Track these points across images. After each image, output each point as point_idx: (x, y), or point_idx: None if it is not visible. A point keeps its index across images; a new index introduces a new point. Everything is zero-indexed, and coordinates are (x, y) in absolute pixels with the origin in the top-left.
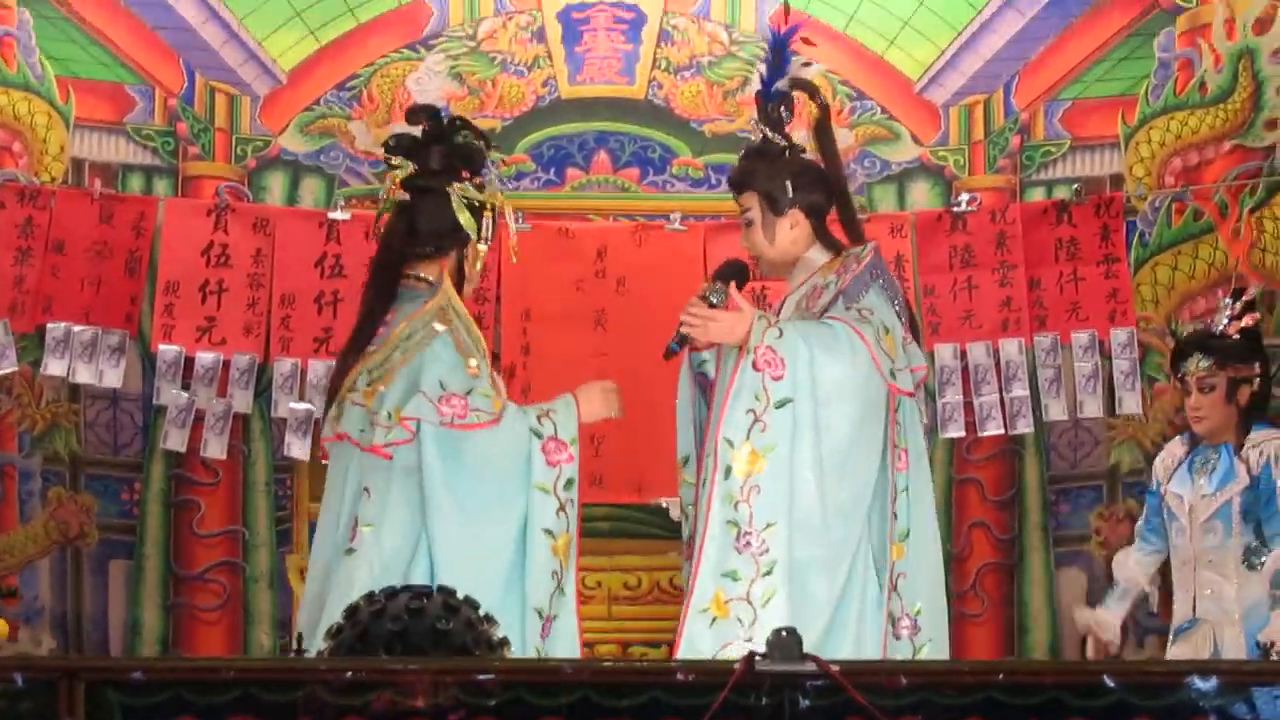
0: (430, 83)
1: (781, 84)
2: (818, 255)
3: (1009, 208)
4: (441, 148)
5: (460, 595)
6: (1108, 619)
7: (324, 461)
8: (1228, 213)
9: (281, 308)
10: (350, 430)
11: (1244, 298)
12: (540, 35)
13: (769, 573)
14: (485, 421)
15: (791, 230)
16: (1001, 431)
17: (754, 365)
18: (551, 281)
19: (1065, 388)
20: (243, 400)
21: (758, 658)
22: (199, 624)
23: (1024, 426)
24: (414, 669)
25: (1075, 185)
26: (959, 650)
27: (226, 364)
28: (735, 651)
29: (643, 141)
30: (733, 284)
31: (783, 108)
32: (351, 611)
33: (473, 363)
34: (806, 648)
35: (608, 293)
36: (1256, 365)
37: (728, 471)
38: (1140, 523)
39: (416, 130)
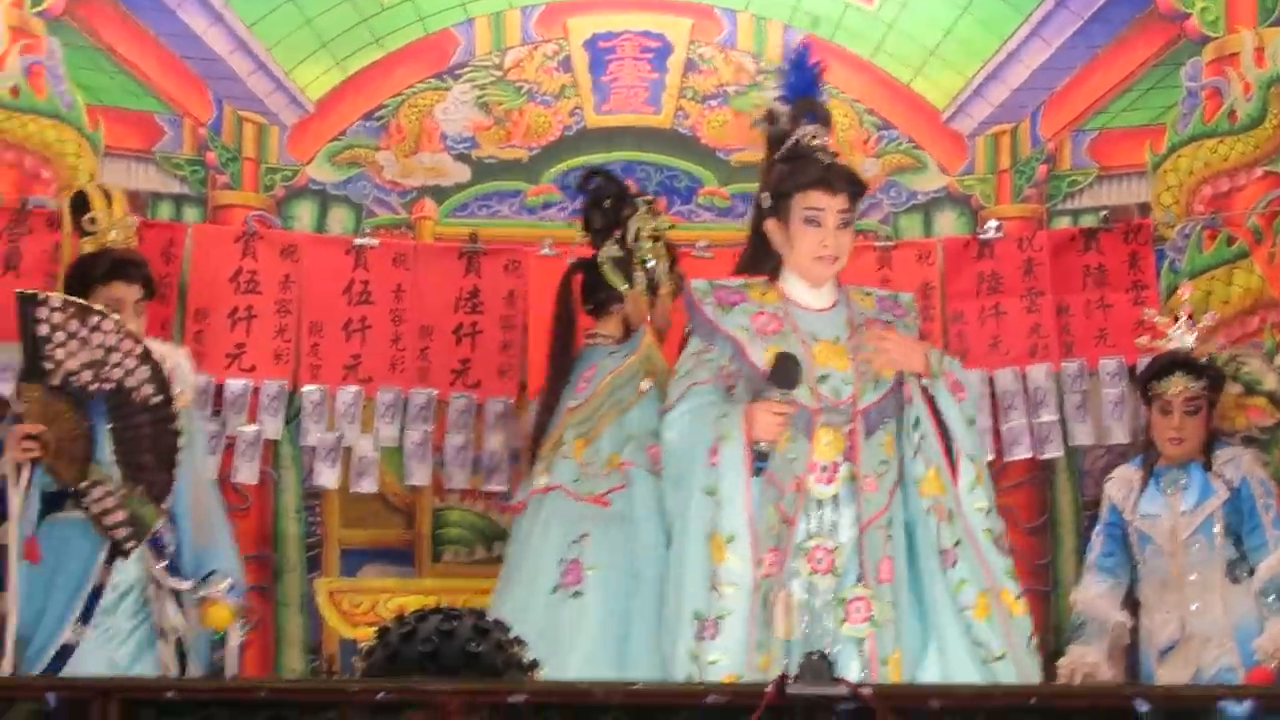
0: (457, 113)
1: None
2: None
3: (1036, 235)
4: (590, 212)
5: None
6: (1095, 659)
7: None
8: (1262, 238)
9: (310, 335)
10: (564, 482)
11: (1188, 316)
12: (566, 64)
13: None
14: None
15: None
16: (1030, 455)
17: (949, 390)
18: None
19: (1092, 413)
20: (273, 427)
21: (790, 681)
22: None
23: (1053, 451)
24: (447, 690)
25: (1103, 213)
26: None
27: (256, 390)
28: None
29: (669, 171)
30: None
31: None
32: (382, 633)
33: None
34: None
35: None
36: (1222, 388)
37: (974, 484)
38: (1094, 556)
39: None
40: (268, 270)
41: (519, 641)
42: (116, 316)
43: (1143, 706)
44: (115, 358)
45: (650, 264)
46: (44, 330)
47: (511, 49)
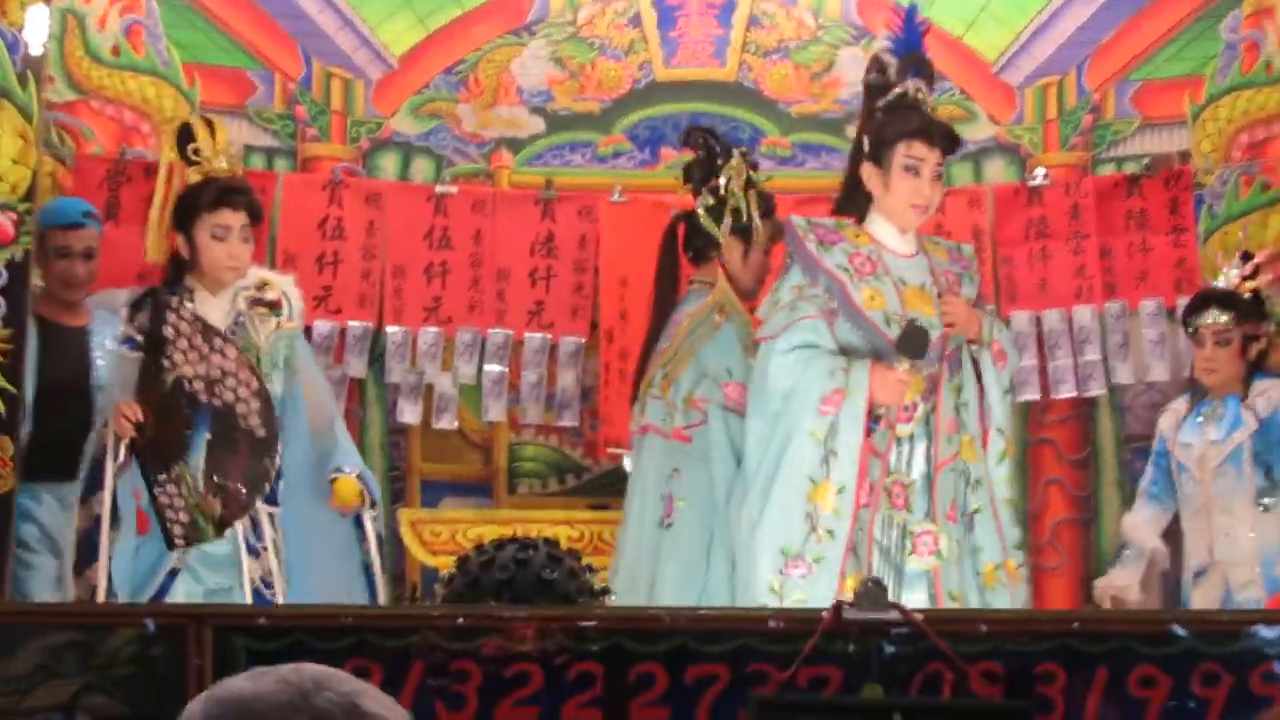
0: (533, 67)
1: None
2: None
3: (1082, 181)
4: (689, 165)
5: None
6: (1126, 582)
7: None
8: None
9: (393, 278)
10: (655, 421)
11: (1253, 260)
12: (636, 21)
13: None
14: None
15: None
16: (1074, 394)
17: (993, 360)
18: (647, 252)
19: (1133, 352)
20: (358, 366)
21: (846, 606)
22: None
23: (1096, 389)
24: (522, 616)
25: (1145, 160)
26: (1037, 600)
27: (343, 331)
28: None
29: (733, 122)
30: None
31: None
32: (462, 562)
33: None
34: None
35: None
36: (1264, 324)
37: (1001, 457)
38: (1144, 483)
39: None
40: (353, 217)
41: (590, 569)
42: (236, 348)
43: (1180, 631)
44: (230, 382)
45: (741, 211)
46: (169, 333)
47: (584, 6)
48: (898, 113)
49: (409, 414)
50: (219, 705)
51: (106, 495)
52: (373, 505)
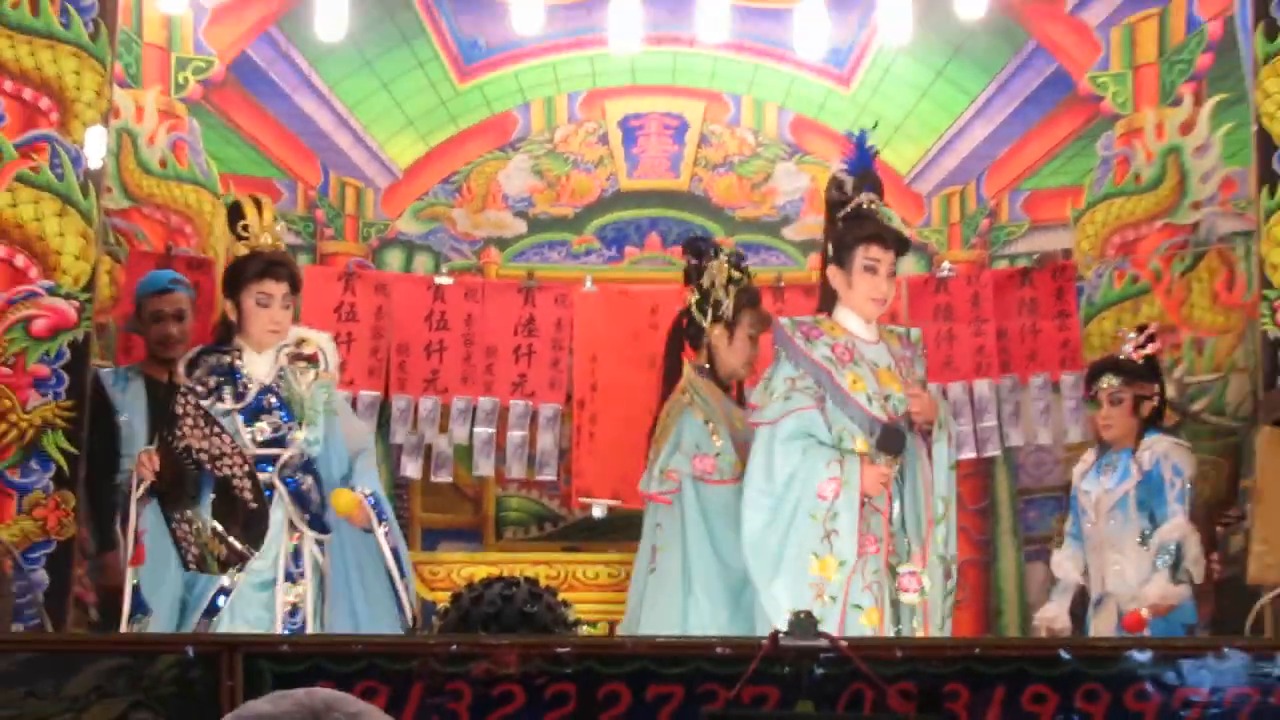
0: (516, 178)
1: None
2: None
3: (981, 274)
4: (688, 266)
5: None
6: (1055, 613)
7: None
8: (1161, 276)
9: (398, 355)
10: (646, 488)
11: (1145, 332)
12: (604, 139)
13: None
14: (728, 480)
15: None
16: (974, 455)
17: (945, 440)
18: (614, 333)
19: (1024, 419)
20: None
21: (781, 634)
22: None
23: (992, 450)
24: (506, 644)
25: (1034, 256)
26: None
27: (355, 400)
28: None
29: (686, 225)
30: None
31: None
32: (455, 597)
33: (716, 434)
34: None
35: (658, 341)
36: (1155, 385)
37: (940, 520)
38: (1067, 525)
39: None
40: (364, 303)
41: (565, 604)
42: (230, 436)
43: (1065, 655)
44: (225, 462)
45: (721, 303)
46: (179, 411)
47: (560, 126)
48: (856, 221)
49: (411, 469)
50: None
51: (130, 529)
52: (380, 521)
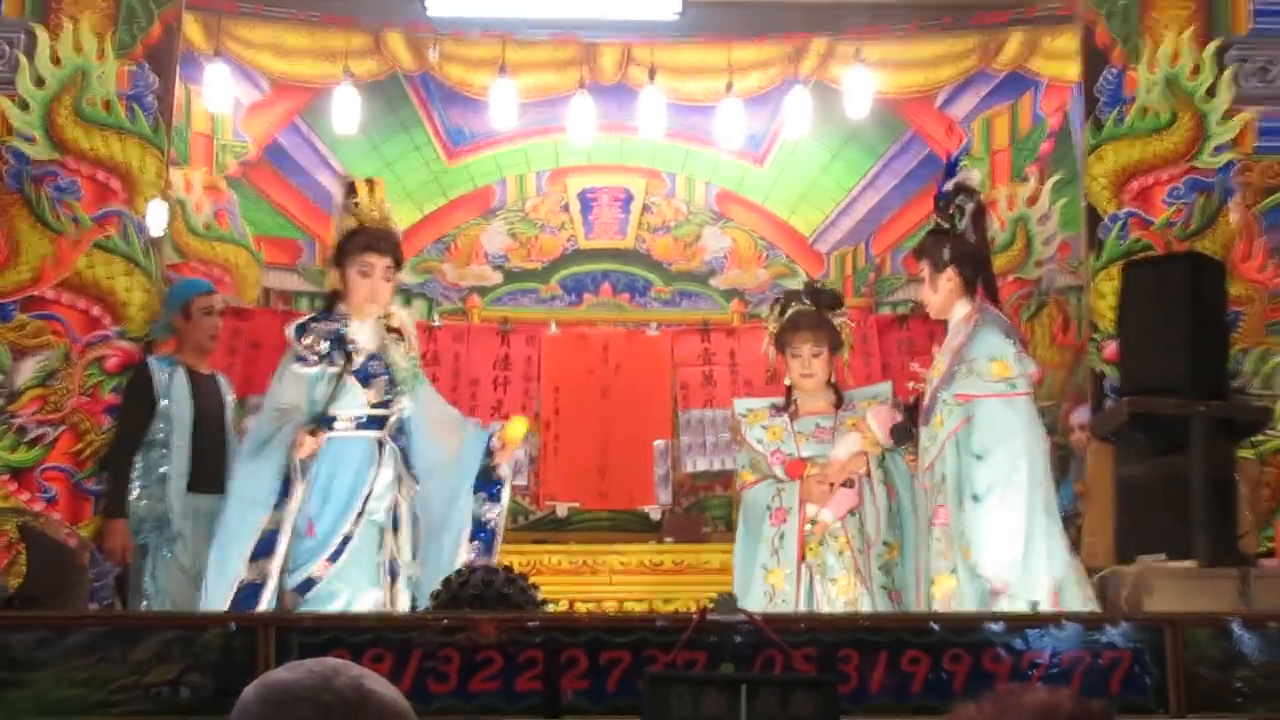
0: (495, 239)
1: (948, 186)
2: (963, 306)
3: (869, 318)
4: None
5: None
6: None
7: None
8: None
9: None
10: None
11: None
12: (566, 208)
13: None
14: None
15: (946, 284)
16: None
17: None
18: (574, 367)
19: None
20: None
21: (709, 609)
22: None
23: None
24: (484, 618)
25: (911, 304)
26: None
27: None
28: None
29: (631, 277)
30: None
31: (952, 204)
32: (446, 582)
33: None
34: None
35: (609, 374)
36: None
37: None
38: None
39: None
40: None
41: (535, 586)
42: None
43: (935, 626)
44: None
45: None
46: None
47: (530, 198)
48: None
49: None
50: (266, 689)
51: (294, 503)
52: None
